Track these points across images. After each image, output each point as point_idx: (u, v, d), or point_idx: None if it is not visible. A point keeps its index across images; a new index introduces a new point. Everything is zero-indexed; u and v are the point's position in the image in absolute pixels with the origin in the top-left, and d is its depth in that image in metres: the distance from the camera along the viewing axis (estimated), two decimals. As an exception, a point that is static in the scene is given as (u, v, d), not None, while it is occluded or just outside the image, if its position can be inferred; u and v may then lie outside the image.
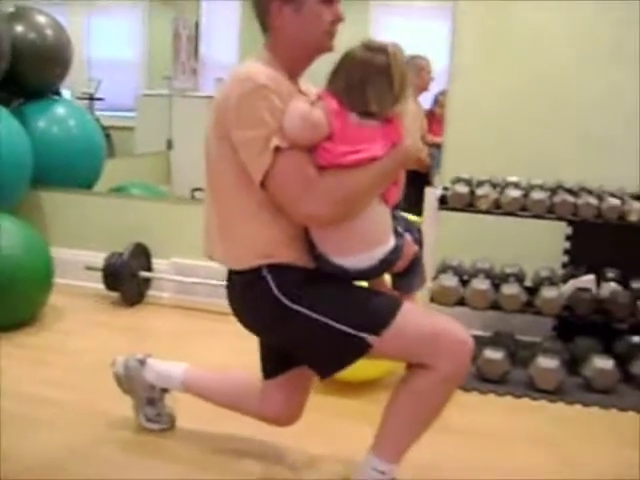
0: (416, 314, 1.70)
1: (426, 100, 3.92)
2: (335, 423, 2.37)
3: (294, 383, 1.97)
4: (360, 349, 1.67)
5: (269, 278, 1.67)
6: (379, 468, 1.74)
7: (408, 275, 1.79)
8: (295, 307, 1.66)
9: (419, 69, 3.87)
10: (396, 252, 1.68)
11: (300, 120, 1.55)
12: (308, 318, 1.66)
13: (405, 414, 1.73)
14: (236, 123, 1.60)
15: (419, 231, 1.82)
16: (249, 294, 1.73)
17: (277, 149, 1.56)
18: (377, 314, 1.67)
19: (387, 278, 1.84)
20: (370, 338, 1.64)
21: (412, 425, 1.73)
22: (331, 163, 1.57)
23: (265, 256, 1.67)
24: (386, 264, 1.68)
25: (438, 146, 3.68)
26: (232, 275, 1.77)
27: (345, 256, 1.65)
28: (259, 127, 1.57)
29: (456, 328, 1.69)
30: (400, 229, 1.72)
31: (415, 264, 1.78)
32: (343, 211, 1.59)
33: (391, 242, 1.68)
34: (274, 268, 1.68)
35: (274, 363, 1.97)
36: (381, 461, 1.74)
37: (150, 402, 2.20)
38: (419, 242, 1.79)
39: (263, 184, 1.60)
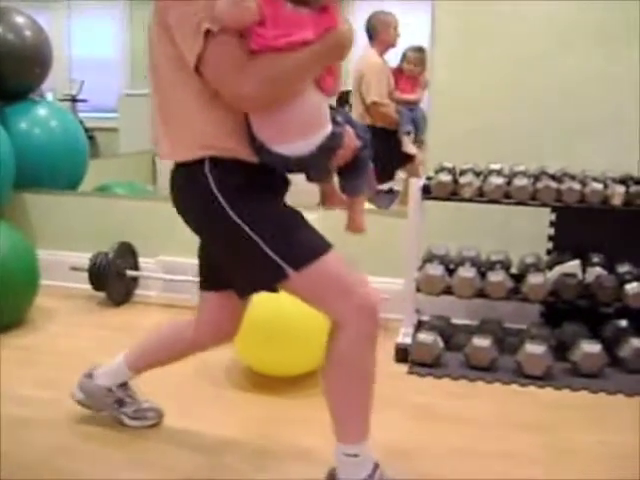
0: (339, 264, 1.70)
1: (393, 58, 3.92)
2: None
3: (225, 300, 1.97)
4: (276, 277, 1.68)
5: (210, 176, 1.68)
6: (349, 452, 1.75)
7: (353, 175, 1.80)
8: (229, 212, 1.67)
9: (386, 25, 3.90)
10: (334, 139, 1.66)
11: (231, 2, 1.53)
12: (238, 228, 1.67)
13: (340, 391, 1.74)
14: (172, 2, 1.60)
15: (365, 130, 1.81)
16: (189, 187, 1.74)
17: (209, 32, 1.55)
18: (303, 249, 1.68)
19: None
20: (289, 270, 1.65)
21: (352, 398, 1.74)
22: (263, 46, 1.55)
23: (207, 147, 1.67)
24: (325, 151, 1.66)
25: (407, 103, 3.70)
26: (176, 167, 1.77)
27: (284, 143, 1.63)
28: (192, 4, 1.56)
29: (369, 289, 1.71)
30: (340, 119, 1.71)
31: (360, 163, 1.78)
32: (274, 92, 1.58)
33: (329, 128, 1.66)
34: (216, 165, 1.68)
35: (210, 277, 1.99)
36: (347, 445, 1.75)
37: (120, 403, 2.21)
38: (364, 141, 1.78)
39: (198, 69, 1.60)
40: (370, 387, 1.74)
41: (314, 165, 1.69)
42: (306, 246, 1.69)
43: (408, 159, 3.95)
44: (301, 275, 1.66)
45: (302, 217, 1.76)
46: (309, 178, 1.81)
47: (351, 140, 1.74)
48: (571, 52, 3.12)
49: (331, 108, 1.71)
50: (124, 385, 2.21)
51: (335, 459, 1.78)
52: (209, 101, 1.65)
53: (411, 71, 3.76)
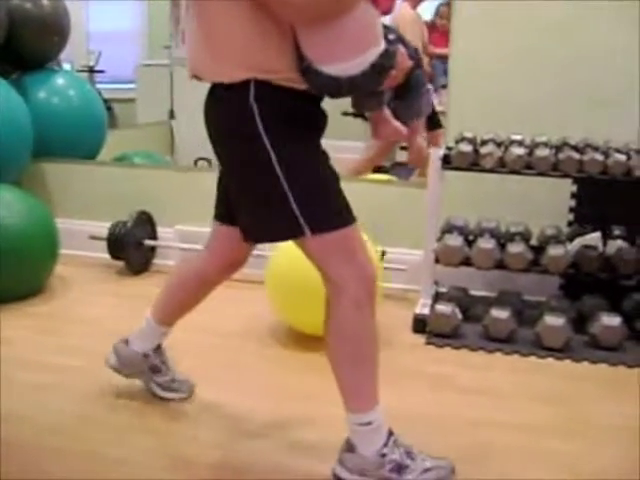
0: (355, 239, 1.69)
1: (427, 11, 3.88)
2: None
3: (236, 234, 1.91)
4: (293, 234, 1.66)
5: (255, 106, 1.59)
6: (361, 421, 1.74)
7: (407, 98, 1.73)
8: (269, 152, 1.60)
9: None
10: (388, 57, 1.58)
11: None
12: (273, 172, 1.61)
13: (343, 359, 1.73)
14: None
15: (416, 51, 1.75)
16: (228, 113, 1.65)
17: None
18: (327, 216, 1.66)
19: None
20: (307, 231, 1.63)
21: (355, 365, 1.73)
22: None
23: (253, 68, 1.58)
24: (379, 70, 1.57)
25: (439, 57, 3.66)
26: (214, 88, 1.69)
27: (335, 62, 1.53)
28: None
29: (373, 267, 1.72)
30: (392, 37, 1.64)
31: (413, 85, 1.72)
32: (321, 4, 1.47)
33: (382, 45, 1.58)
34: (262, 92, 1.59)
35: (225, 210, 1.93)
36: (357, 415, 1.74)
37: (154, 369, 2.19)
38: (416, 61, 1.71)
39: None
40: (372, 353, 1.74)
41: (366, 86, 1.61)
42: (331, 213, 1.66)
43: (433, 120, 3.91)
44: (316, 238, 1.65)
45: (337, 180, 1.71)
46: (359, 105, 1.74)
47: (404, 60, 1.67)
48: (596, 20, 3.06)
49: (383, 27, 1.61)
50: (159, 349, 2.18)
51: (349, 429, 1.77)
52: (256, 17, 1.54)
53: (444, 26, 3.71)
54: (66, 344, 2.65)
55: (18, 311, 2.96)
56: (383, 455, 1.74)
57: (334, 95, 1.65)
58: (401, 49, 1.66)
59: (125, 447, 1.96)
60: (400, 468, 1.74)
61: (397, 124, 1.88)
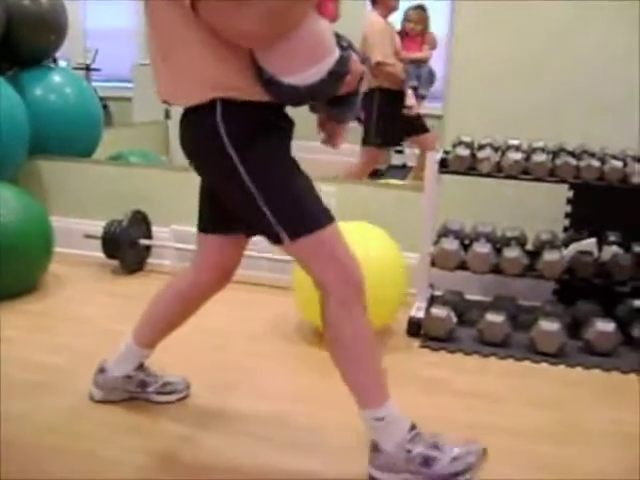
0: (335, 238, 1.72)
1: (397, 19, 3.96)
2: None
3: (228, 244, 1.97)
4: (272, 240, 1.71)
5: (221, 123, 1.64)
6: (375, 416, 1.76)
7: (346, 103, 1.78)
8: (238, 166, 1.65)
9: None
10: (343, 63, 1.62)
11: None
12: (241, 181, 1.66)
13: (341, 360, 1.76)
14: None
15: (365, 59, 1.79)
16: (197, 131, 1.71)
17: None
18: (304, 220, 1.69)
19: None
20: (284, 237, 1.67)
21: (355, 365, 1.75)
22: None
23: (216, 86, 1.63)
24: (335, 76, 1.62)
25: (414, 61, 3.71)
26: (184, 112, 1.73)
27: (295, 73, 1.58)
28: None
29: (358, 267, 1.74)
30: (345, 43, 1.68)
31: (356, 91, 1.75)
32: (275, 25, 1.51)
33: (337, 53, 1.62)
34: (226, 109, 1.64)
35: (210, 220, 1.97)
36: (370, 410, 1.76)
37: (142, 385, 2.18)
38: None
39: (194, 8, 1.54)
40: (369, 350, 1.75)
41: (325, 93, 1.65)
42: (305, 217, 1.69)
43: (414, 126, 3.93)
44: (295, 244, 1.68)
45: (310, 182, 1.74)
46: (336, 117, 1.80)
47: (357, 65, 1.69)
48: (593, 28, 3.07)
49: (335, 34, 1.66)
50: (141, 367, 2.17)
51: (365, 428, 1.79)
52: (210, 38, 1.58)
53: (412, 29, 3.78)
54: (60, 343, 2.64)
55: (12, 309, 2.94)
56: (408, 451, 1.75)
57: (295, 104, 1.71)
58: (353, 55, 1.69)
59: (121, 447, 1.95)
60: (427, 460, 1.76)
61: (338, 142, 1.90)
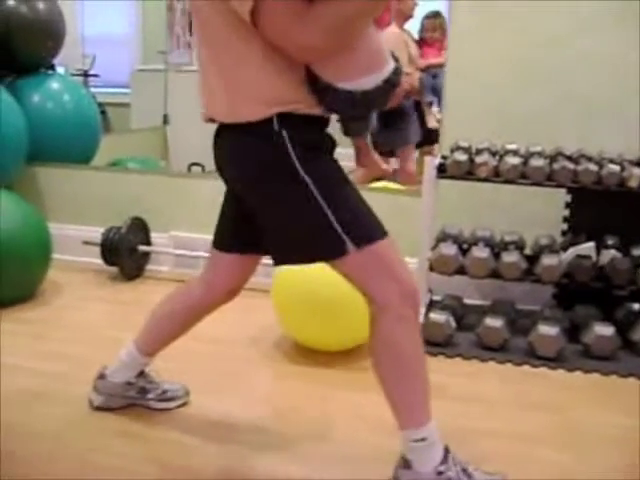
0: (393, 250, 1.69)
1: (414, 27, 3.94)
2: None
3: (244, 263, 1.96)
4: (335, 251, 1.64)
5: (283, 134, 1.62)
6: (416, 437, 1.72)
7: (395, 126, 1.80)
8: (302, 175, 1.62)
9: None
10: (397, 73, 1.65)
11: None
12: (308, 192, 1.62)
13: (391, 375, 1.71)
14: None
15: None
16: (250, 148, 1.66)
17: None
18: (367, 228, 1.66)
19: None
20: (350, 246, 1.62)
21: (404, 382, 1.71)
22: None
23: (274, 103, 1.61)
24: (389, 85, 1.63)
25: (431, 67, 3.69)
26: (231, 127, 1.69)
27: (352, 79, 1.59)
28: None
29: (412, 277, 1.72)
30: (394, 55, 1.70)
31: (401, 112, 1.78)
32: (340, 40, 1.53)
33: (392, 63, 1.65)
34: (287, 121, 1.62)
35: (233, 239, 1.94)
36: (411, 431, 1.72)
37: (143, 391, 2.17)
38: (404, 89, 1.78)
39: (254, 22, 1.52)
40: (421, 367, 1.71)
41: (377, 101, 1.65)
42: (370, 225, 1.67)
43: (431, 134, 3.92)
44: (360, 253, 1.63)
45: (362, 196, 1.72)
46: (347, 130, 1.81)
47: (404, 80, 1.71)
48: (589, 34, 3.07)
49: None
50: (142, 374, 2.17)
51: (403, 447, 1.75)
52: (270, 52, 1.57)
53: (431, 37, 3.75)
54: (58, 350, 2.64)
55: (10, 317, 2.94)
56: (440, 473, 1.72)
57: (347, 111, 1.68)
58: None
59: (115, 454, 1.95)
60: None
61: (377, 158, 1.93)
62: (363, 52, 1.59)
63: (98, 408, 2.17)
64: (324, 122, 1.73)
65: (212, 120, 1.74)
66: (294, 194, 1.64)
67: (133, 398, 2.18)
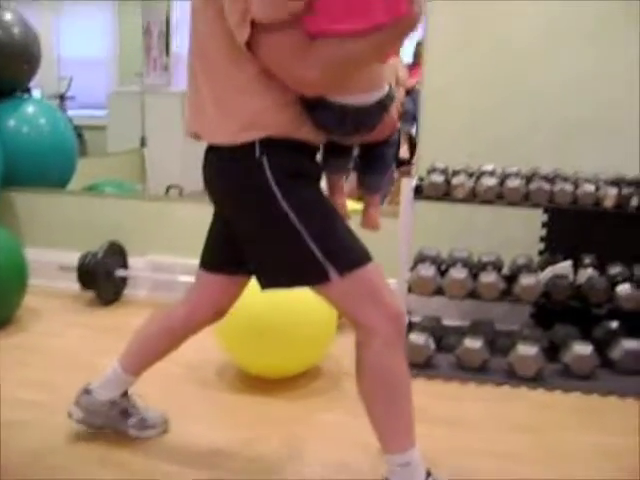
0: (377, 275, 1.69)
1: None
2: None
3: (231, 284, 1.96)
4: (317, 278, 1.64)
5: (265, 162, 1.61)
6: (400, 462, 1.72)
7: (377, 169, 1.82)
8: (280, 201, 1.61)
9: None
10: (390, 98, 1.66)
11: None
12: (287, 218, 1.61)
13: (377, 400, 1.71)
14: None
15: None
16: (234, 169, 1.67)
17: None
18: (350, 254, 1.65)
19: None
20: (332, 273, 1.62)
21: (390, 407, 1.71)
22: (320, 32, 1.48)
23: (256, 125, 1.60)
24: (381, 106, 1.65)
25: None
26: (217, 148, 1.69)
27: (346, 95, 1.59)
28: None
29: (397, 301, 1.72)
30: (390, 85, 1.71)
31: (381, 157, 1.79)
32: (340, 77, 1.53)
33: (387, 87, 1.66)
34: (270, 147, 1.61)
35: (219, 260, 1.94)
36: (397, 456, 1.72)
37: (124, 414, 2.15)
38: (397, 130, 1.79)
39: (250, 46, 1.52)
40: (407, 391, 1.72)
41: (367, 121, 1.66)
42: (354, 249, 1.67)
43: (400, 164, 3.94)
44: (342, 280, 1.63)
45: (346, 222, 1.72)
46: (327, 164, 1.82)
47: (396, 110, 1.72)
48: (563, 53, 3.12)
49: None
50: (126, 394, 2.15)
51: (388, 471, 1.74)
52: (257, 75, 1.57)
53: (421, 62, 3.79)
54: (36, 378, 2.60)
55: (-14, 344, 2.90)
56: None
57: (336, 126, 1.67)
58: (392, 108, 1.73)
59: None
60: None
61: (344, 202, 1.90)
62: (362, 75, 1.59)
63: (78, 422, 2.14)
64: (311, 149, 1.72)
65: (196, 137, 1.74)
66: (274, 221, 1.64)
67: (113, 419, 2.15)
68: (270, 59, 1.53)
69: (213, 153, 1.71)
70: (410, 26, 1.50)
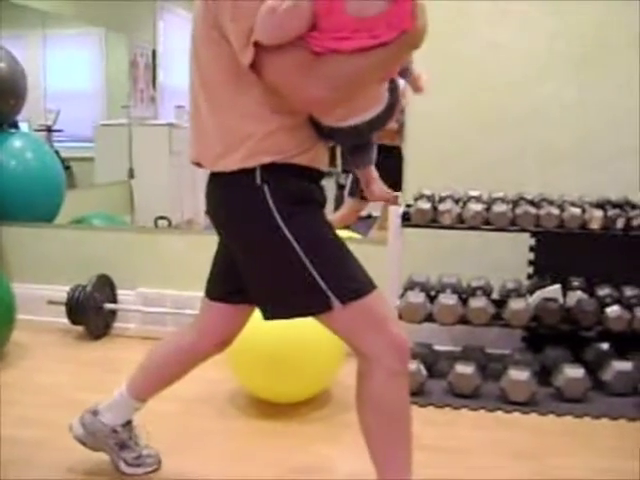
0: (381, 303, 1.67)
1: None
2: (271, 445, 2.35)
3: (235, 313, 1.95)
4: (320, 307, 1.62)
5: (266, 189, 1.60)
6: None
7: (358, 148, 1.87)
8: (283, 229, 1.59)
9: None
10: (395, 91, 1.67)
11: (267, 17, 1.43)
12: (289, 246, 1.60)
13: (379, 431, 1.69)
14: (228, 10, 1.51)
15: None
16: (236, 196, 1.65)
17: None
18: (353, 282, 1.63)
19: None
20: (335, 302, 1.60)
21: (391, 437, 1.69)
22: (324, 49, 1.47)
23: (258, 151, 1.59)
24: (391, 106, 1.66)
25: None
26: (219, 175, 1.67)
27: (355, 117, 1.61)
28: (245, 5, 1.47)
29: (401, 330, 1.69)
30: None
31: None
32: (346, 94, 1.53)
33: (384, 100, 1.66)
34: (272, 172, 1.60)
35: (223, 288, 1.93)
36: None
37: (122, 446, 2.12)
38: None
39: (254, 67, 1.52)
40: (407, 424, 1.70)
41: (382, 123, 1.67)
42: (356, 280, 1.64)
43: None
44: (345, 308, 1.61)
45: (349, 250, 1.70)
46: (352, 163, 1.90)
47: (404, 91, 1.76)
48: (547, 81, 3.15)
49: None
50: (129, 424, 2.12)
51: None
52: (259, 99, 1.57)
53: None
54: (26, 415, 2.57)
55: (-26, 382, 2.87)
56: None
57: (356, 141, 1.77)
58: (400, 82, 1.74)
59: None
60: None
61: (382, 187, 1.96)
62: (367, 94, 1.60)
63: (76, 438, 2.12)
64: (317, 174, 1.71)
65: (199, 164, 1.73)
66: (276, 249, 1.62)
67: (109, 447, 2.12)
68: (275, 78, 1.52)
69: (215, 181, 1.71)
70: (415, 41, 1.52)
